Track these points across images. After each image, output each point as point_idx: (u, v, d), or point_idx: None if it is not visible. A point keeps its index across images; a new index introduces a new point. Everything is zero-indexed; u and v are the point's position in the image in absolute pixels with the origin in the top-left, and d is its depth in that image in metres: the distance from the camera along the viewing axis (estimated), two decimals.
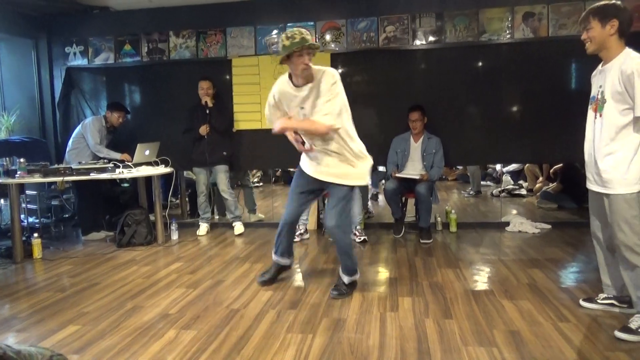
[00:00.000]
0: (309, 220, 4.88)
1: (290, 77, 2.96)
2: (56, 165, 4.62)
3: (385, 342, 2.42)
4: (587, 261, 3.73)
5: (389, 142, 4.88)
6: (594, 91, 2.62)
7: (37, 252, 4.30)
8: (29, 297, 3.26)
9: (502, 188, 6.87)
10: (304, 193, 3.21)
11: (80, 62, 5.68)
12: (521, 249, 4.18)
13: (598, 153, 2.51)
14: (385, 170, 5.12)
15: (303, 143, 3.04)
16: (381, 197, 6.26)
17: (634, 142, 2.40)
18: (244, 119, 5.36)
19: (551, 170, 6.43)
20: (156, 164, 4.98)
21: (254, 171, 7.62)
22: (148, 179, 4.88)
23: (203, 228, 5.13)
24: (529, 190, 6.90)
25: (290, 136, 2.99)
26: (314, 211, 5.15)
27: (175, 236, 4.87)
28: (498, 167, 7.59)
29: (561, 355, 2.21)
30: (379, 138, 5.01)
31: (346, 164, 3.02)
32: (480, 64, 4.99)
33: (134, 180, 5.16)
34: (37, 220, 5.23)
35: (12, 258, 4.21)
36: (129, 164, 4.70)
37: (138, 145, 4.88)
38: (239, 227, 5.11)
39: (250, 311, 2.88)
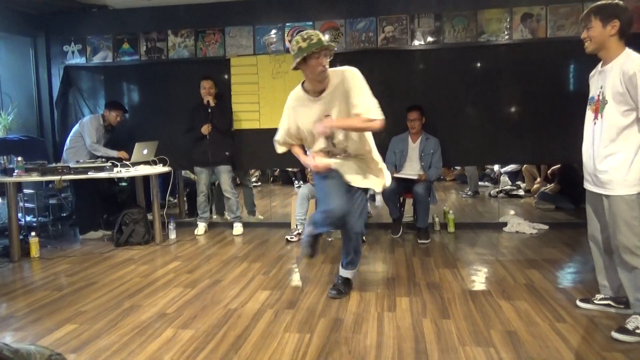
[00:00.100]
0: (306, 220, 4.87)
1: (303, 88, 2.83)
2: (54, 164, 4.61)
3: (382, 341, 2.42)
4: (584, 262, 3.74)
5: (387, 142, 4.89)
6: (593, 92, 2.60)
7: (35, 250, 4.29)
8: (26, 296, 3.25)
9: (500, 189, 6.88)
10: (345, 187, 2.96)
11: (79, 60, 5.67)
12: (518, 249, 4.19)
13: (597, 154, 2.50)
14: None
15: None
16: (379, 198, 6.27)
17: (634, 143, 2.39)
18: (243, 119, 5.36)
19: (549, 171, 6.44)
20: (154, 163, 4.98)
21: (252, 171, 7.62)
22: (146, 178, 4.87)
23: (201, 228, 5.13)
24: (527, 191, 6.91)
25: (298, 151, 3.00)
26: (312, 211, 5.14)
27: (173, 235, 4.87)
28: (496, 167, 7.60)
29: (558, 356, 2.22)
30: (377, 138, 4.96)
31: (372, 167, 3.00)
32: (478, 64, 5.00)
33: (131, 180, 5.16)
34: (35, 219, 5.22)
35: (10, 257, 4.21)
36: (127, 162, 4.69)
37: (136, 144, 4.88)
38: (238, 228, 5.11)
39: (248, 311, 2.88)
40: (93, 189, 5.01)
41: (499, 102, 4.96)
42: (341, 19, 5.11)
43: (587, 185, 2.64)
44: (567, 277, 3.41)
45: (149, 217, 4.81)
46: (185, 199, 6.10)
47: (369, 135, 2.94)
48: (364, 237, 4.56)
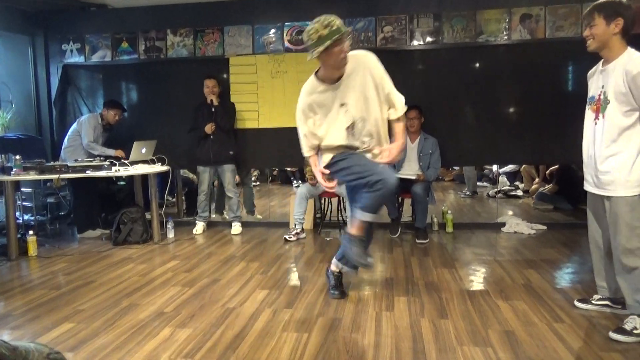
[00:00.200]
0: (305, 219, 4.87)
1: (317, 77, 2.68)
2: (52, 163, 4.60)
3: (380, 341, 2.42)
4: (582, 262, 3.74)
5: None
6: (592, 91, 2.57)
7: (32, 249, 4.28)
8: (23, 295, 3.25)
9: (498, 189, 6.89)
10: None
11: (77, 59, 5.66)
12: (517, 249, 4.19)
13: (599, 155, 2.47)
14: None
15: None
16: None
17: (637, 143, 2.35)
18: (241, 118, 5.35)
19: (547, 172, 6.45)
20: (152, 162, 4.97)
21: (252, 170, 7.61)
22: (144, 177, 4.87)
23: (200, 227, 5.13)
24: (525, 191, 6.92)
25: (315, 160, 2.83)
26: (310, 210, 5.15)
27: (171, 234, 4.86)
28: (494, 168, 7.61)
29: (555, 356, 2.22)
30: None
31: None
32: (477, 65, 5.01)
33: (130, 179, 5.15)
34: (33, 218, 5.20)
35: (7, 255, 4.20)
36: (125, 161, 4.69)
37: (135, 143, 4.87)
38: (237, 227, 5.11)
39: (246, 310, 2.88)
40: (91, 187, 5.00)
41: (498, 102, 4.97)
42: (340, 18, 5.08)
43: (588, 187, 2.61)
44: (565, 277, 3.41)
45: (147, 216, 4.80)
46: (183, 198, 6.10)
47: (385, 124, 2.82)
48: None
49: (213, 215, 5.72)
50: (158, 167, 4.83)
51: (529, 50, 4.82)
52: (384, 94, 2.72)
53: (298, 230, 4.75)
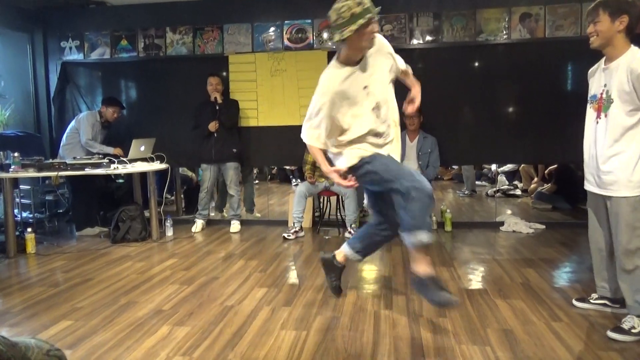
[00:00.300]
0: (304, 218, 4.87)
1: (339, 61, 2.49)
2: (50, 160, 4.60)
3: (379, 340, 2.42)
4: (581, 261, 3.75)
5: None
6: (594, 90, 2.52)
7: (31, 247, 4.28)
8: (22, 292, 3.25)
9: (497, 188, 6.89)
10: None
11: (76, 56, 5.65)
12: (515, 248, 4.20)
13: (601, 154, 2.43)
14: None
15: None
16: None
17: None
18: (241, 116, 5.34)
19: (546, 171, 6.45)
20: (151, 160, 4.97)
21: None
22: (143, 175, 4.86)
23: (199, 225, 5.12)
24: (524, 191, 6.92)
25: (322, 158, 2.61)
26: (309, 209, 5.15)
27: (170, 232, 4.86)
28: (493, 167, 7.61)
29: (554, 354, 2.22)
30: None
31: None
32: (476, 64, 5.01)
33: (128, 176, 5.14)
34: (31, 215, 5.20)
35: (5, 253, 4.19)
36: (124, 159, 4.68)
37: (133, 141, 4.86)
38: (236, 225, 5.10)
39: (244, 308, 2.88)
40: (90, 185, 5.00)
41: (497, 101, 4.97)
42: None
43: (589, 187, 2.58)
44: (563, 276, 3.42)
45: (146, 214, 4.80)
46: (182, 196, 6.09)
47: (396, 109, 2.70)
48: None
49: (212, 214, 5.71)
50: (157, 165, 4.82)
51: (529, 50, 4.82)
52: (395, 72, 2.66)
53: (297, 229, 4.75)
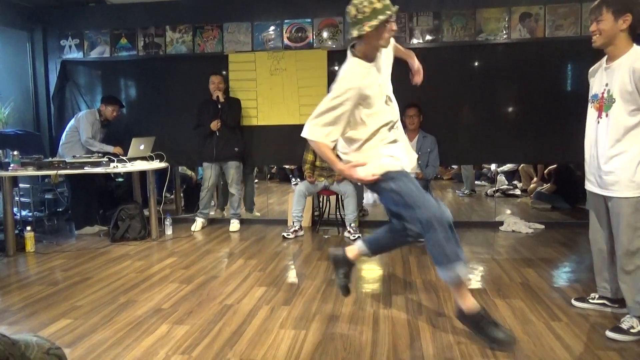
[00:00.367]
0: (303, 217, 4.87)
1: (358, 57, 2.40)
2: (50, 159, 4.59)
3: (378, 339, 2.42)
4: (580, 261, 3.75)
5: None
6: (595, 89, 2.50)
7: (30, 245, 4.28)
8: (21, 291, 3.24)
9: (497, 188, 6.90)
10: None
11: (76, 55, 5.64)
12: (514, 248, 4.20)
13: (602, 154, 2.41)
14: None
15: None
16: (376, 195, 6.26)
17: None
18: (242, 115, 5.34)
19: (545, 171, 6.46)
20: (151, 158, 4.97)
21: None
22: (142, 174, 4.86)
23: (199, 223, 5.12)
24: (523, 191, 6.93)
25: (333, 155, 2.43)
26: (308, 208, 5.15)
27: (169, 231, 4.86)
28: (493, 167, 7.62)
29: (552, 354, 2.23)
30: None
31: None
32: (476, 63, 5.01)
33: (128, 175, 5.14)
34: (30, 214, 5.20)
35: (5, 251, 4.19)
36: (123, 158, 4.68)
37: (133, 139, 4.86)
38: (235, 224, 5.11)
39: (243, 307, 2.88)
40: (89, 184, 4.99)
41: (497, 101, 4.97)
42: (340, 16, 5.10)
43: (590, 187, 2.56)
44: (562, 276, 3.42)
45: (145, 212, 4.79)
46: (182, 195, 6.09)
47: None
48: (358, 236, 4.58)
49: (212, 212, 5.71)
50: (156, 164, 4.82)
51: (529, 50, 4.82)
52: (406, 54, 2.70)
53: (296, 228, 4.75)
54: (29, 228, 4.36)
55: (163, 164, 4.88)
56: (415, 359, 2.22)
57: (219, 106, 4.93)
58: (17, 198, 4.95)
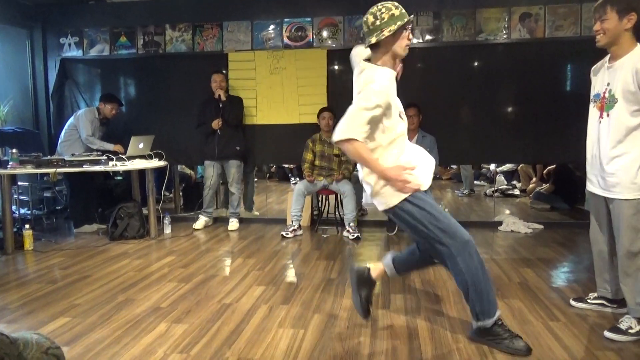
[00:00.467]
0: (302, 216, 4.87)
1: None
2: (49, 157, 4.59)
3: (376, 338, 2.43)
4: (578, 261, 3.75)
5: None
6: (598, 88, 2.47)
7: (29, 243, 4.27)
8: (19, 289, 3.24)
9: (496, 188, 6.90)
10: None
11: (75, 53, 5.64)
12: (513, 248, 4.20)
13: (604, 155, 2.38)
14: None
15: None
16: None
17: None
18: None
19: (544, 171, 6.46)
20: (150, 157, 4.96)
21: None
22: (141, 172, 4.86)
23: (202, 222, 5.11)
24: (522, 191, 6.93)
25: (372, 156, 2.25)
26: (307, 207, 5.15)
27: (168, 230, 4.86)
28: (492, 167, 7.62)
29: (551, 354, 2.23)
30: None
31: None
32: (476, 63, 5.01)
33: (127, 174, 5.13)
34: (29, 212, 5.19)
35: (3, 249, 4.18)
36: (123, 156, 4.67)
37: (132, 138, 4.85)
38: (234, 223, 5.10)
39: (242, 306, 2.88)
40: (88, 182, 4.99)
41: (496, 101, 4.97)
42: (340, 15, 5.10)
43: (591, 187, 2.53)
44: (561, 276, 3.42)
45: (144, 211, 4.79)
46: (181, 193, 6.09)
47: None
48: (357, 236, 4.58)
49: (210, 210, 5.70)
50: (155, 163, 4.81)
51: (528, 50, 4.82)
52: None
53: (295, 227, 4.75)
54: (27, 226, 4.36)
55: (162, 163, 4.87)
56: (414, 358, 2.22)
57: (221, 105, 4.92)
58: (15, 196, 4.95)
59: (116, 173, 5.54)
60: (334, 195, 5.06)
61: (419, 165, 2.31)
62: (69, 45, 5.63)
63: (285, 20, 5.20)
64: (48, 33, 5.69)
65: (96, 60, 5.62)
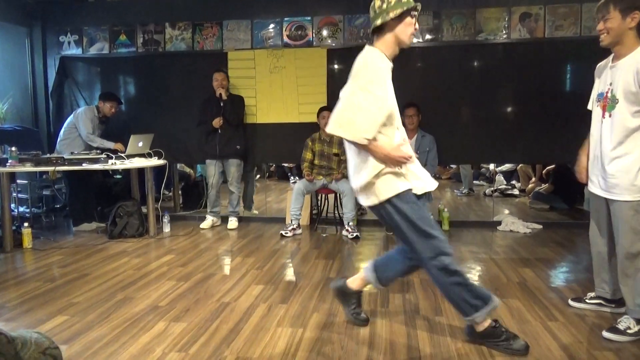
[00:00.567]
0: (301, 215, 4.87)
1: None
2: (48, 155, 4.58)
3: (375, 337, 2.43)
4: (577, 261, 3.75)
5: None
6: (601, 87, 2.45)
7: (27, 241, 4.27)
8: (18, 287, 3.24)
9: (495, 188, 6.90)
10: None
11: (75, 51, 5.63)
12: (512, 248, 4.20)
13: (605, 155, 2.38)
14: None
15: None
16: None
17: None
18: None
19: (543, 171, 6.47)
20: (149, 155, 4.96)
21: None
22: (141, 171, 4.86)
23: (208, 221, 5.11)
24: (522, 191, 6.94)
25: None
26: (306, 206, 5.15)
27: (167, 229, 4.86)
28: (491, 166, 7.62)
29: (549, 354, 2.23)
30: None
31: None
32: (476, 63, 5.00)
33: (126, 172, 5.13)
34: (28, 210, 5.19)
35: (2, 247, 4.18)
36: (122, 154, 4.67)
37: (131, 136, 4.85)
38: (233, 222, 5.10)
39: (241, 304, 2.88)
40: (87, 180, 4.99)
41: (496, 101, 4.97)
42: (340, 14, 5.10)
43: (592, 188, 2.53)
44: (559, 276, 3.42)
45: (144, 210, 4.79)
46: (180, 192, 6.08)
47: None
48: (356, 235, 4.58)
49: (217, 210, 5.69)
50: (155, 161, 4.81)
51: (528, 50, 4.82)
52: None
53: (294, 226, 4.75)
54: (26, 224, 4.36)
55: (161, 161, 4.87)
56: (412, 358, 2.22)
57: (222, 104, 4.92)
58: (14, 194, 4.94)
59: (115, 171, 5.54)
60: (333, 195, 5.07)
61: (415, 171, 2.26)
62: (69, 43, 5.63)
63: (285, 19, 5.20)
64: (48, 31, 5.68)
65: (96, 58, 5.61)
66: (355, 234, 4.58)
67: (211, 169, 5.08)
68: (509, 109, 4.99)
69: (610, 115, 2.36)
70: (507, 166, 7.41)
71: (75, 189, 5.02)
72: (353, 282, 2.55)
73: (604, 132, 2.40)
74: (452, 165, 8.09)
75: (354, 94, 2.15)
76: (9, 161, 4.23)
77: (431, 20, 4.96)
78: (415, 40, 4.99)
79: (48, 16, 5.64)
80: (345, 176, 4.81)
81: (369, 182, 2.19)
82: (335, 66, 5.15)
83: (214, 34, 5.34)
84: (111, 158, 4.53)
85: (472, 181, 7.34)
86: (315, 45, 5.16)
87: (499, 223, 4.99)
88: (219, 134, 4.94)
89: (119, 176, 5.70)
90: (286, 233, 4.68)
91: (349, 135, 2.14)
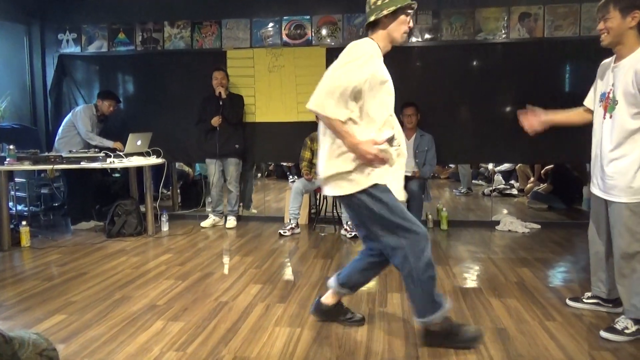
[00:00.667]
0: (300, 214, 4.87)
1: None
2: (46, 153, 4.58)
3: (373, 337, 2.43)
4: (575, 261, 3.76)
5: None
6: (604, 87, 2.44)
7: (25, 240, 4.26)
8: (15, 285, 3.23)
9: (494, 187, 6.91)
10: None
11: (73, 49, 5.62)
12: (510, 248, 4.20)
13: (604, 156, 2.38)
14: None
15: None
16: None
17: None
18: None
19: (542, 171, 6.47)
20: (148, 154, 4.95)
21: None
22: (139, 170, 4.85)
23: (209, 221, 5.10)
24: (520, 190, 6.94)
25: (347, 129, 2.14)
26: (305, 205, 5.14)
27: (165, 228, 4.85)
28: (490, 166, 7.63)
29: (547, 353, 2.23)
30: None
31: None
32: (475, 63, 5.00)
33: (125, 171, 5.12)
34: (26, 208, 5.18)
35: (0, 246, 4.17)
36: (121, 153, 4.66)
37: (130, 135, 4.84)
38: (231, 221, 5.10)
39: (239, 304, 2.88)
40: (85, 179, 4.98)
41: (495, 100, 4.97)
42: (339, 13, 5.09)
43: (593, 189, 2.53)
44: (557, 276, 3.43)
45: (142, 208, 4.78)
46: (178, 191, 6.07)
47: None
48: (355, 234, 4.57)
49: (208, 209, 5.70)
50: (153, 160, 4.80)
51: (527, 49, 4.82)
52: None
53: (293, 225, 4.75)
54: (24, 223, 4.35)
55: (160, 160, 4.87)
56: (411, 357, 2.22)
57: (221, 102, 4.91)
58: (12, 192, 4.93)
59: (114, 170, 5.53)
60: None
61: (391, 170, 2.28)
62: (67, 41, 5.62)
63: (284, 18, 5.19)
64: (46, 29, 5.67)
65: (94, 56, 5.60)
66: (353, 233, 4.58)
67: (212, 168, 5.08)
68: (508, 109, 4.98)
69: (611, 117, 2.36)
70: (505, 166, 7.41)
71: (74, 188, 5.01)
72: (327, 299, 2.54)
73: (604, 132, 2.40)
74: (450, 165, 8.09)
75: (335, 70, 2.15)
76: (7, 159, 4.22)
77: (430, 19, 4.96)
78: (414, 39, 4.99)
79: (47, 14, 5.63)
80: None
81: (345, 171, 2.16)
82: None
83: (213, 32, 5.33)
84: (110, 157, 4.53)
85: (471, 181, 7.34)
86: (314, 44, 5.16)
87: (498, 223, 4.99)
88: (218, 133, 4.93)
89: (117, 175, 5.69)
90: (285, 232, 4.67)
91: (323, 109, 2.10)
